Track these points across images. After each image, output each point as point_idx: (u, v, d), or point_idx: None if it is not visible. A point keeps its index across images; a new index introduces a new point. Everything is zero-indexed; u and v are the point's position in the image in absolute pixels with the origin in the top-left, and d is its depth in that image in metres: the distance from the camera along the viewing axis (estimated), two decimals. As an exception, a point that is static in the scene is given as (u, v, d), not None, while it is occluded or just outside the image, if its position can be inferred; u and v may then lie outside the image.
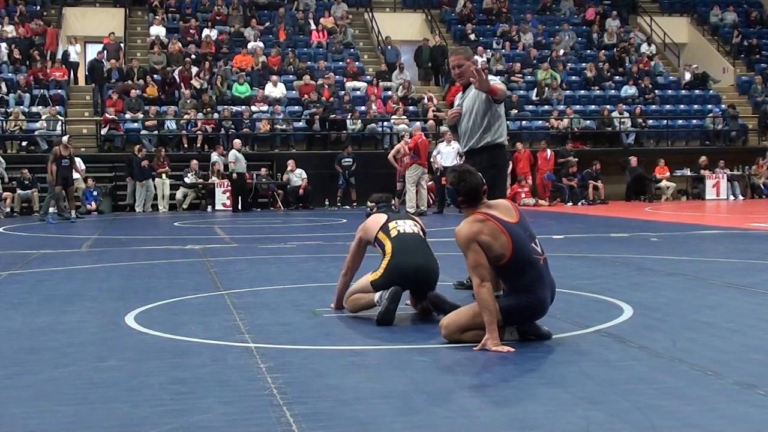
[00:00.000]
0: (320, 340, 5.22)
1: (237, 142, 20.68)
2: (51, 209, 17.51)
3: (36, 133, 21.08)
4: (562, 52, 26.65)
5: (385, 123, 22.89)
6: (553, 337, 5.11)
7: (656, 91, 25.84)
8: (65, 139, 18.12)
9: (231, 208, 20.32)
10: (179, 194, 20.83)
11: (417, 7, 28.92)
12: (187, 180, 20.81)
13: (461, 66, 6.98)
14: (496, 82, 6.96)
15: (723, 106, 25.58)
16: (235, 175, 20.18)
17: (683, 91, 26.51)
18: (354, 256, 6.06)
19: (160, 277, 8.41)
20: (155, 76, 23.42)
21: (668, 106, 25.61)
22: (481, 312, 4.79)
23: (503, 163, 7.11)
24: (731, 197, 23.06)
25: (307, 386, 4.09)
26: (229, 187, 20.55)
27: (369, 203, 6.36)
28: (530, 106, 24.67)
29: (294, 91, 23.80)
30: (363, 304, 5.79)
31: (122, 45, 24.95)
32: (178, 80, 23.22)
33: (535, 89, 25.02)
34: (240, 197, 20.42)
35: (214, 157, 20.81)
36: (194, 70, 23.55)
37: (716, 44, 29.25)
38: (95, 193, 20.27)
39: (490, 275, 4.87)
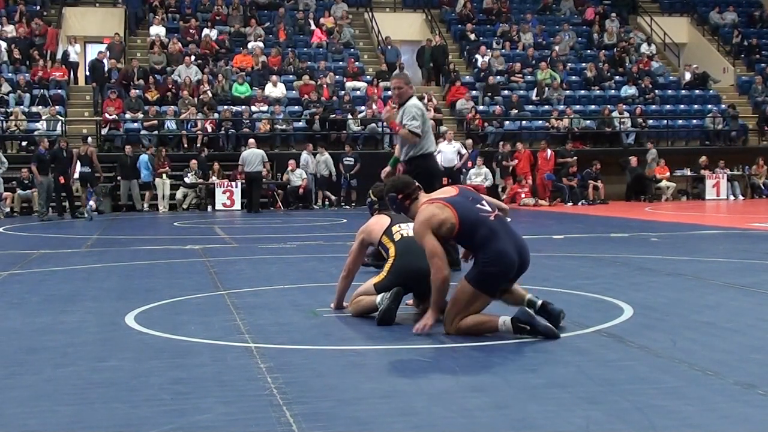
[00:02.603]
0: (320, 340, 5.22)
1: (251, 141, 20.67)
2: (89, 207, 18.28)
3: (36, 133, 21.08)
4: (557, 48, 26.63)
5: (386, 123, 22.85)
6: (553, 337, 5.11)
7: (656, 91, 25.84)
8: (90, 140, 19.86)
9: (242, 208, 20.30)
10: (179, 194, 20.84)
11: (417, 7, 28.91)
12: (187, 180, 20.82)
13: (401, 89, 8.34)
14: (409, 127, 8.13)
15: (723, 106, 25.58)
16: (243, 175, 20.25)
17: (683, 91, 26.50)
18: (355, 257, 6.06)
19: (160, 277, 8.41)
20: (156, 76, 23.42)
21: (668, 106, 25.61)
22: (466, 297, 5.11)
23: (432, 169, 8.38)
24: (731, 197, 23.06)
25: (307, 386, 4.09)
26: (229, 187, 20.59)
27: (372, 195, 6.30)
28: (530, 106, 24.67)
29: (294, 91, 23.79)
30: (365, 305, 5.79)
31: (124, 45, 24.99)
32: (179, 83, 23.23)
33: (535, 89, 25.03)
34: (251, 197, 20.29)
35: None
36: (194, 69, 23.54)
37: (716, 44, 29.24)
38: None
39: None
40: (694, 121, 25.15)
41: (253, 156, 20.19)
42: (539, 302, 5.32)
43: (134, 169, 20.36)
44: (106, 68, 23.43)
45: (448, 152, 19.35)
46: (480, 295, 5.13)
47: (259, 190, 20.37)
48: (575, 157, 22.10)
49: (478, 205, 5.29)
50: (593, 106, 24.91)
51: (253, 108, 22.75)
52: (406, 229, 5.86)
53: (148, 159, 20.55)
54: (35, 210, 19.48)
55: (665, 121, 24.93)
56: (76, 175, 19.36)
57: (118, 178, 20.49)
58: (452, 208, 5.21)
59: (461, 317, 5.12)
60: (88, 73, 24.35)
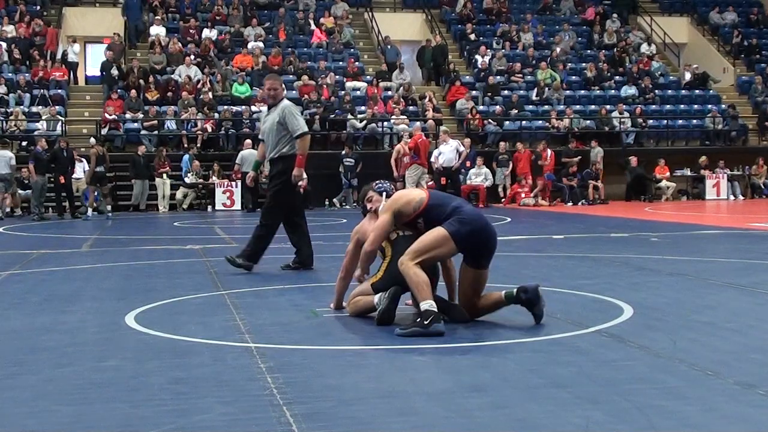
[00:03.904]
0: (320, 340, 5.21)
1: (247, 142, 20.72)
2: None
3: (36, 133, 21.08)
4: (559, 50, 26.64)
5: (385, 123, 22.90)
6: (553, 337, 5.11)
7: (656, 91, 25.84)
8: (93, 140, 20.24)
9: (241, 208, 20.36)
10: (179, 194, 20.84)
11: (417, 7, 28.93)
12: (187, 180, 20.82)
13: (276, 90, 8.75)
14: (301, 130, 8.51)
15: (723, 106, 25.58)
16: (241, 175, 20.32)
17: (683, 91, 26.51)
18: (351, 258, 6.05)
19: (160, 277, 8.41)
20: (156, 76, 23.42)
21: (668, 106, 25.62)
22: (434, 238, 5.41)
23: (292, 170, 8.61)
24: (731, 197, 23.06)
25: (307, 386, 4.09)
26: (229, 187, 20.62)
27: (368, 192, 6.24)
28: (530, 106, 24.68)
29: (294, 91, 23.79)
30: (363, 306, 5.79)
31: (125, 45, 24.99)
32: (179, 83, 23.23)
33: (535, 89, 25.03)
34: (250, 198, 20.37)
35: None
36: (194, 69, 23.54)
37: (716, 44, 29.26)
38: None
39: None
40: (694, 121, 25.16)
41: (252, 156, 20.20)
42: (515, 289, 5.55)
43: (147, 169, 20.37)
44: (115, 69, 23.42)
45: (446, 152, 19.34)
46: (448, 241, 5.41)
47: (256, 190, 20.40)
48: (579, 157, 22.09)
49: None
50: (593, 106, 24.92)
51: (253, 108, 22.75)
52: (401, 228, 5.86)
53: (188, 158, 20.72)
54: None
55: (665, 121, 24.93)
56: (77, 175, 19.35)
57: (133, 179, 20.46)
58: (425, 190, 5.80)
59: (420, 257, 5.37)
60: (99, 73, 24.28)
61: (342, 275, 6.08)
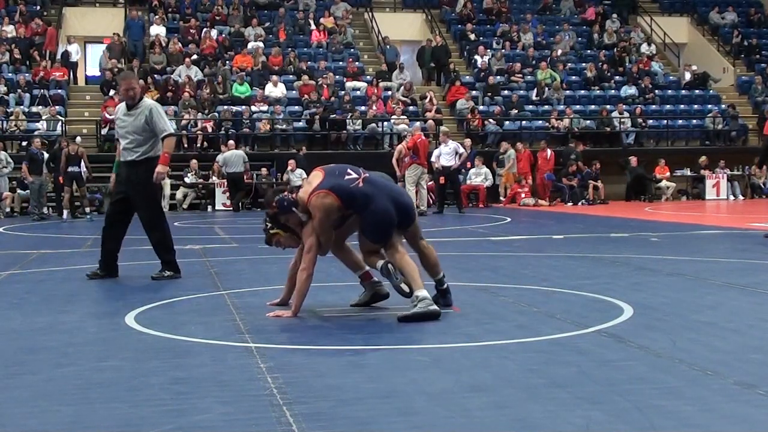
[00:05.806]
0: (320, 340, 5.22)
1: (230, 143, 20.76)
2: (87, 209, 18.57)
3: (36, 133, 21.08)
4: (560, 52, 26.65)
5: (385, 123, 22.90)
6: (553, 337, 5.12)
7: (656, 91, 25.84)
8: (79, 139, 19.66)
9: (231, 208, 20.47)
10: (179, 194, 20.84)
11: (417, 7, 28.93)
12: (187, 180, 20.82)
13: (134, 89, 8.16)
14: (170, 130, 8.22)
15: (723, 106, 25.58)
16: (219, 174, 20.42)
17: (683, 91, 26.51)
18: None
19: (160, 277, 8.39)
20: (156, 76, 23.43)
21: (668, 106, 25.62)
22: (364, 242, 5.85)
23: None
24: (731, 197, 23.06)
25: (307, 386, 4.08)
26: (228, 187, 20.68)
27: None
28: (530, 106, 24.68)
29: (294, 91, 23.80)
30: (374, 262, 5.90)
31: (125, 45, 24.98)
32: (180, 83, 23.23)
33: (535, 89, 25.04)
34: (236, 197, 20.47)
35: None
36: (194, 69, 23.55)
37: (716, 44, 29.26)
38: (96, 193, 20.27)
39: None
40: (694, 121, 25.16)
41: (235, 157, 20.30)
42: (444, 286, 5.96)
43: None
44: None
45: (445, 153, 19.34)
46: (371, 244, 5.84)
47: (242, 191, 20.51)
48: (573, 157, 22.06)
49: (346, 177, 5.83)
50: (593, 106, 24.92)
51: (253, 108, 22.76)
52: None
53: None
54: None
55: (665, 121, 24.93)
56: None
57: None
58: (333, 194, 5.73)
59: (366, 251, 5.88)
60: (99, 73, 24.27)
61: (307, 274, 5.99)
